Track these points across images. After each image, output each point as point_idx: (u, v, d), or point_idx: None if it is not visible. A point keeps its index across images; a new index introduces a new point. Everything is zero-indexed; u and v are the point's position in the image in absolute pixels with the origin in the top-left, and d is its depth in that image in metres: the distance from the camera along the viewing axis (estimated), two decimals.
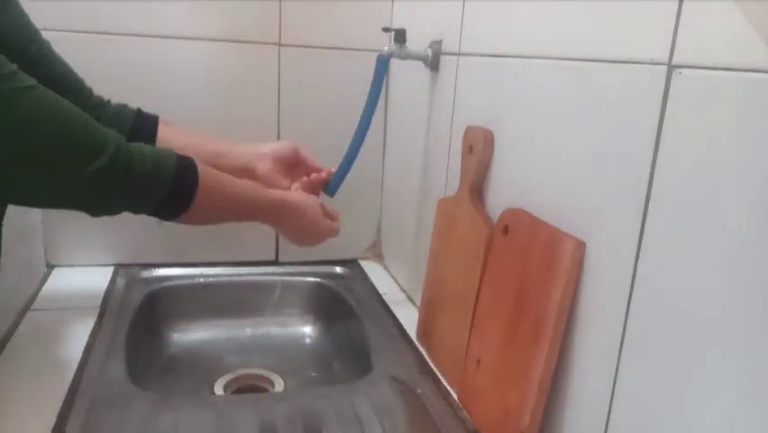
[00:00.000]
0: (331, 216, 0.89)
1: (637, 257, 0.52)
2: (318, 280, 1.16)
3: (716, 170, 0.44)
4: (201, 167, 0.67)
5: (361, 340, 0.96)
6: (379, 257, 1.28)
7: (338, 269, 1.21)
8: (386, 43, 0.94)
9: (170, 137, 0.86)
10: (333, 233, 0.89)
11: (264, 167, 0.90)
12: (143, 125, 0.85)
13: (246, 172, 0.89)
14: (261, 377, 0.99)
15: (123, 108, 0.86)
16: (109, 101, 0.85)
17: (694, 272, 0.46)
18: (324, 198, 0.96)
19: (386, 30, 0.94)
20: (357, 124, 0.94)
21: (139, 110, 0.87)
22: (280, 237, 0.98)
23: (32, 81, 0.56)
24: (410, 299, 1.10)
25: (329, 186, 0.95)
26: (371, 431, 0.71)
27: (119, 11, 1.03)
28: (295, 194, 0.85)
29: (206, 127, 1.11)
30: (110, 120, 0.82)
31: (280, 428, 0.70)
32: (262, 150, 0.91)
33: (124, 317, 0.94)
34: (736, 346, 0.43)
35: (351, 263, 1.24)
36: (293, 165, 0.94)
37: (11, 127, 0.54)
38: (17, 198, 0.63)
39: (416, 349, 0.91)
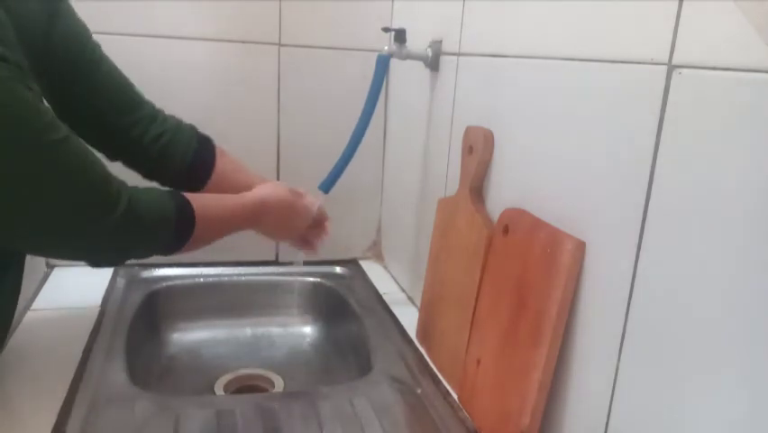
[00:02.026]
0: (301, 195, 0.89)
1: (637, 257, 0.52)
2: (318, 280, 1.16)
3: (716, 170, 0.44)
4: (195, 205, 0.70)
5: (361, 340, 0.96)
6: (379, 257, 1.28)
7: (338, 269, 1.21)
8: (386, 43, 0.94)
9: (226, 169, 0.88)
10: (309, 210, 0.88)
11: None
12: (206, 149, 0.87)
13: None
14: (261, 377, 0.99)
15: (180, 124, 0.86)
16: (162, 110, 0.86)
17: (694, 272, 0.46)
18: (324, 197, 0.96)
19: (386, 30, 0.94)
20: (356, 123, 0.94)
21: (195, 128, 0.88)
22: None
23: (65, 131, 0.57)
24: (410, 299, 1.10)
25: (324, 183, 0.95)
26: (371, 431, 0.71)
27: (119, 11, 1.03)
28: (262, 188, 0.83)
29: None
30: (173, 138, 0.83)
31: (280, 427, 0.70)
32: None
33: (124, 317, 0.94)
34: (735, 346, 0.43)
35: (351, 263, 1.24)
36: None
37: (47, 179, 0.56)
38: (33, 247, 0.66)
39: (416, 349, 0.91)
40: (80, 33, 0.75)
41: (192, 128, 0.88)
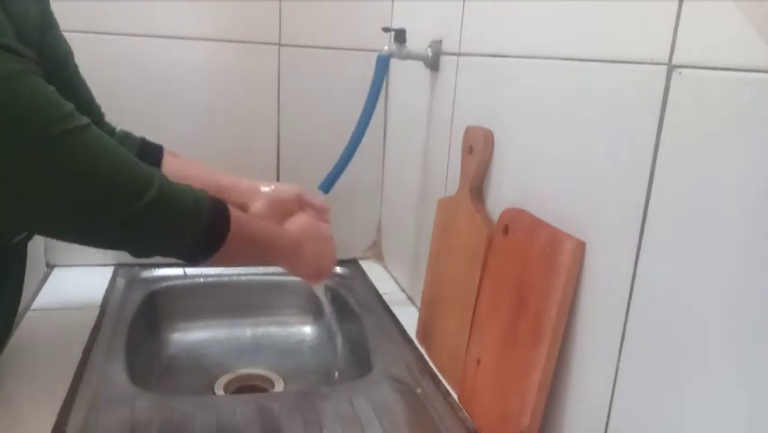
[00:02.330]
0: (324, 218, 0.87)
1: (637, 257, 0.52)
2: None
3: (716, 170, 0.44)
4: (232, 209, 0.66)
5: (361, 340, 0.96)
6: (379, 257, 1.28)
7: (338, 269, 1.21)
8: (386, 43, 0.94)
9: (176, 169, 0.84)
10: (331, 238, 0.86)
11: (256, 207, 0.86)
12: (147, 157, 0.84)
13: (241, 208, 0.86)
14: (261, 377, 0.99)
15: (126, 136, 0.85)
16: (114, 129, 0.85)
17: (694, 272, 0.46)
18: (323, 197, 0.96)
19: (386, 30, 0.94)
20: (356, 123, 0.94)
21: (143, 139, 0.86)
22: None
23: (86, 120, 0.56)
24: (410, 299, 1.10)
25: (324, 183, 0.95)
26: (371, 431, 0.71)
27: (119, 11, 1.03)
28: (293, 227, 0.81)
29: (206, 127, 1.12)
30: None
31: (280, 428, 0.70)
32: (262, 189, 0.87)
33: (124, 317, 0.94)
34: (735, 346, 0.43)
35: (351, 263, 1.24)
36: (290, 210, 0.87)
37: (71, 166, 0.55)
38: (65, 233, 0.62)
39: (416, 349, 0.91)
40: (65, 47, 0.75)
41: (138, 139, 0.86)
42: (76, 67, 0.78)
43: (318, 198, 0.94)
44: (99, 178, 0.56)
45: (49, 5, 0.71)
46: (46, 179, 0.54)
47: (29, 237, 0.73)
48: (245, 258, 0.73)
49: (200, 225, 0.63)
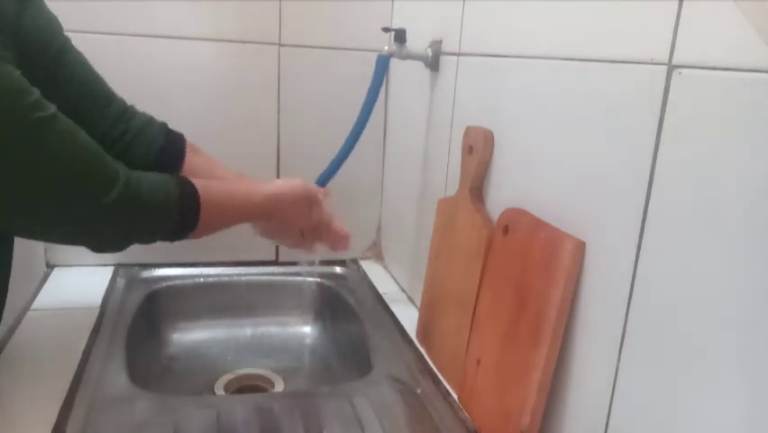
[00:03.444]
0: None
1: (637, 257, 0.52)
2: (318, 280, 1.16)
3: (716, 170, 0.44)
4: (200, 185, 0.68)
5: (361, 340, 0.96)
6: (379, 257, 1.28)
7: (338, 269, 1.21)
8: (386, 43, 0.94)
9: (197, 166, 0.85)
10: (321, 200, 0.85)
11: None
12: (173, 146, 0.84)
13: None
14: (261, 377, 0.99)
15: (150, 121, 0.84)
16: (133, 106, 0.84)
17: (694, 272, 0.46)
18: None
19: (386, 30, 0.94)
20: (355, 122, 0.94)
21: (166, 126, 0.86)
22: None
23: (53, 109, 0.56)
24: (410, 299, 1.10)
25: (320, 178, 0.95)
26: (371, 431, 0.71)
27: (119, 11, 1.03)
28: (272, 186, 0.81)
29: (206, 127, 1.12)
30: (138, 133, 0.81)
31: (280, 427, 0.70)
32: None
33: (124, 317, 0.94)
34: (736, 346, 0.43)
35: (351, 263, 1.24)
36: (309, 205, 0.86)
37: (35, 157, 0.54)
38: (32, 231, 0.63)
39: (416, 349, 0.91)
40: (51, 21, 0.73)
41: (162, 125, 0.85)
42: (66, 40, 0.76)
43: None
44: (63, 171, 0.56)
45: None
46: (9, 172, 0.53)
47: None
48: (221, 224, 0.73)
49: (171, 214, 0.64)
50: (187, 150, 0.86)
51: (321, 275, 1.17)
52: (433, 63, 0.95)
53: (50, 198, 0.56)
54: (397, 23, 0.97)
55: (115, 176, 0.59)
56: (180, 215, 0.65)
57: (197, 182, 0.68)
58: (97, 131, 0.77)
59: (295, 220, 0.82)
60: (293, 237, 0.85)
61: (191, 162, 0.85)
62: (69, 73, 0.76)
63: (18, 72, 0.54)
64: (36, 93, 0.55)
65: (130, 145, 0.80)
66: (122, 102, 0.83)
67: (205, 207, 0.67)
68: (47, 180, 0.55)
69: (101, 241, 0.64)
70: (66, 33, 0.76)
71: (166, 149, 0.83)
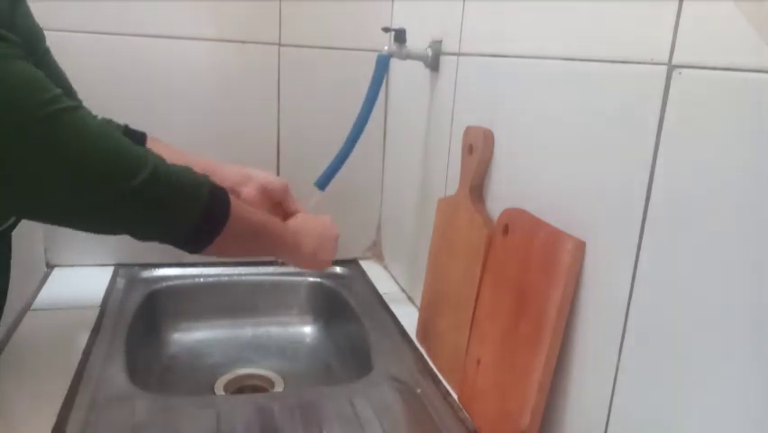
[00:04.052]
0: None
1: (637, 257, 0.52)
2: (318, 280, 1.16)
3: (716, 170, 0.44)
4: (233, 197, 0.66)
5: (361, 340, 0.96)
6: (379, 257, 1.28)
7: (338, 269, 1.21)
8: (386, 43, 0.94)
9: (161, 152, 0.84)
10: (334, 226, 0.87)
11: (249, 192, 0.86)
12: (134, 138, 0.82)
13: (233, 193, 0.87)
14: (261, 377, 0.99)
15: (108, 122, 0.83)
16: (96, 116, 0.85)
17: (694, 272, 0.46)
18: (324, 195, 0.96)
19: (386, 30, 0.94)
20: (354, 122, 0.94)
21: (126, 126, 0.85)
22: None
23: (76, 102, 0.56)
24: (410, 299, 1.10)
25: (320, 180, 0.96)
26: (371, 431, 0.71)
27: (119, 11, 1.03)
28: (294, 221, 0.84)
29: (206, 127, 1.12)
30: None
31: (280, 428, 0.70)
32: (251, 174, 0.88)
33: (124, 317, 0.94)
34: (736, 346, 0.43)
35: (351, 263, 1.24)
36: (279, 199, 0.89)
37: (63, 146, 0.54)
38: (64, 216, 0.61)
39: (416, 349, 0.91)
40: (37, 32, 0.74)
41: (121, 126, 0.84)
42: (47, 51, 0.76)
43: (314, 195, 0.95)
44: (92, 157, 0.56)
45: None
46: (39, 161, 0.53)
47: (14, 226, 0.73)
48: (244, 246, 0.72)
49: (199, 207, 0.62)
50: (148, 141, 0.84)
51: (321, 275, 1.17)
52: (433, 63, 0.95)
53: (79, 183, 0.56)
54: (397, 23, 0.97)
55: (144, 160, 0.59)
56: (208, 210, 0.63)
57: (231, 194, 0.67)
58: None
59: (314, 252, 0.83)
60: (309, 265, 0.86)
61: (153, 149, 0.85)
62: (50, 75, 0.76)
63: (34, 68, 0.54)
64: (58, 89, 0.55)
65: None
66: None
67: (234, 215, 0.65)
68: (75, 166, 0.55)
69: (122, 224, 0.62)
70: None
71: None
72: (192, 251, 0.65)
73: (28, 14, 0.72)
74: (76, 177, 0.56)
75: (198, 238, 0.64)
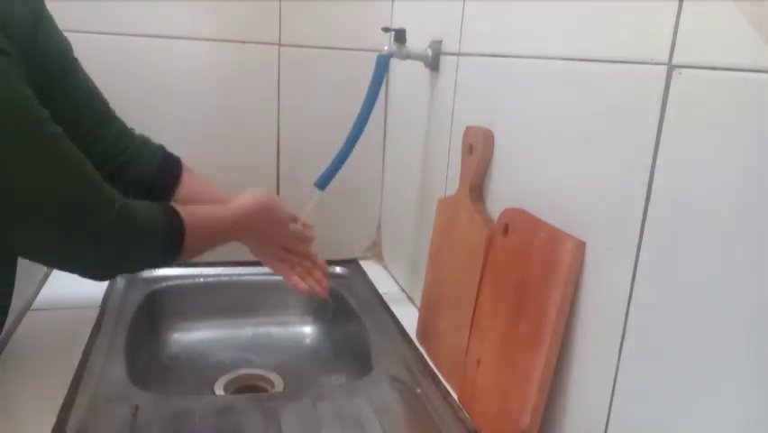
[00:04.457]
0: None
1: (637, 257, 0.52)
2: None
3: (716, 170, 0.44)
4: (185, 213, 0.70)
5: (361, 340, 0.96)
6: (379, 257, 1.28)
7: (338, 269, 1.21)
8: (386, 43, 0.94)
9: (191, 187, 0.87)
10: (287, 211, 0.87)
11: None
12: (171, 163, 0.86)
13: None
14: (261, 377, 0.99)
15: (148, 142, 0.86)
16: (132, 129, 0.85)
17: (694, 272, 0.46)
18: (324, 195, 0.96)
19: (386, 30, 0.94)
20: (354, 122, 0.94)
21: (163, 148, 0.87)
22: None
23: (60, 130, 0.57)
24: (410, 299, 1.10)
25: (320, 180, 0.96)
26: (371, 431, 0.71)
27: (119, 11, 1.03)
28: (240, 197, 0.83)
29: (206, 128, 1.12)
30: (137, 151, 0.83)
31: (280, 427, 0.70)
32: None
33: (124, 317, 0.94)
34: (736, 346, 0.43)
35: (351, 263, 1.24)
36: None
37: (42, 172, 0.56)
38: (25, 248, 0.64)
39: (416, 349, 0.91)
40: (62, 43, 0.75)
41: (159, 148, 0.87)
42: (75, 60, 0.78)
43: (314, 195, 0.95)
44: (67, 189, 0.58)
45: (42, 5, 0.70)
46: (15, 185, 0.54)
47: None
48: (204, 248, 0.76)
49: (158, 240, 0.67)
50: (183, 172, 0.87)
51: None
52: (433, 63, 0.95)
53: (56, 213, 0.58)
54: (397, 23, 0.97)
55: (112, 200, 0.61)
56: (166, 243, 0.68)
57: (183, 210, 0.70)
58: (97, 147, 0.78)
59: (266, 231, 0.85)
60: (277, 255, 0.88)
61: (185, 183, 0.87)
62: (73, 91, 0.77)
63: (29, 90, 0.55)
64: (46, 112, 0.56)
65: (130, 162, 0.82)
66: (122, 122, 0.84)
67: (190, 234, 0.70)
68: (51, 196, 0.57)
69: (92, 265, 0.66)
70: (66, 33, 0.76)
71: (164, 166, 0.85)
72: (156, 267, 0.72)
73: (54, 29, 0.73)
74: (50, 203, 0.57)
75: (159, 264, 0.73)
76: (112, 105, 0.84)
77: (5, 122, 0.52)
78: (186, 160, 0.89)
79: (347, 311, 1.06)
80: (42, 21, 0.70)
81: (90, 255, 0.64)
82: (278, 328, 1.13)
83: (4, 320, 0.77)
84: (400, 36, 0.94)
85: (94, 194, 0.60)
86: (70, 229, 0.59)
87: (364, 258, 1.28)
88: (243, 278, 1.15)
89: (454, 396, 0.79)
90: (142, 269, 0.70)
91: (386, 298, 1.09)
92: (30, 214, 0.56)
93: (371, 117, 0.94)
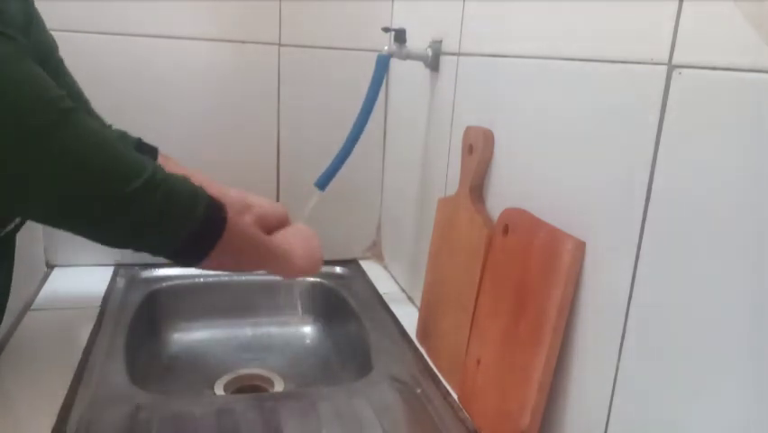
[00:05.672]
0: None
1: (637, 257, 0.52)
2: (318, 280, 1.16)
3: (716, 170, 0.44)
4: (231, 212, 0.65)
5: (361, 340, 0.96)
6: (379, 257, 1.28)
7: (338, 269, 1.21)
8: (386, 43, 0.94)
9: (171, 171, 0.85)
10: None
11: (245, 219, 0.85)
12: (147, 153, 0.85)
13: None
14: (261, 377, 0.99)
15: (123, 135, 0.85)
16: (110, 125, 0.84)
17: (694, 272, 0.46)
18: (324, 195, 0.96)
19: (386, 30, 0.94)
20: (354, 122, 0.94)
21: (140, 140, 0.86)
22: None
23: (75, 105, 0.56)
24: (410, 299, 1.10)
25: (320, 180, 0.95)
26: (371, 431, 0.71)
27: (119, 11, 1.03)
28: (282, 234, 0.83)
29: (206, 128, 1.12)
30: None
31: (280, 427, 0.70)
32: (252, 203, 0.87)
33: (124, 317, 0.94)
34: (736, 346, 0.43)
35: (351, 263, 1.24)
36: (274, 228, 0.87)
37: (63, 148, 0.55)
38: (55, 218, 0.60)
39: (416, 349, 0.91)
40: (50, 43, 0.74)
41: (135, 140, 0.85)
42: (60, 61, 0.77)
43: (314, 195, 0.95)
44: (90, 161, 0.55)
45: (32, 5, 0.70)
46: (39, 162, 0.53)
47: (17, 229, 0.73)
48: (240, 259, 0.72)
49: (196, 218, 0.61)
50: (160, 157, 0.85)
51: (321, 275, 1.17)
52: (433, 63, 0.95)
53: (77, 182, 0.56)
54: (397, 23, 0.97)
55: (142, 166, 0.59)
56: (204, 222, 0.62)
57: (231, 209, 0.65)
58: None
59: (309, 256, 0.82)
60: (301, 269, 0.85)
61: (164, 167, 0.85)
62: (62, 84, 0.76)
63: (39, 68, 0.54)
64: (62, 90, 0.55)
65: None
66: (101, 119, 0.83)
67: (230, 228, 0.64)
68: (78, 166, 0.55)
69: (117, 232, 0.60)
70: (63, 33, 0.77)
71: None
72: (187, 264, 0.64)
73: (43, 29, 0.73)
74: (74, 179, 0.56)
75: (193, 251, 0.63)
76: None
77: (24, 104, 0.52)
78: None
79: (347, 311, 1.06)
80: (33, 20, 0.69)
81: (120, 219, 0.58)
82: (278, 328, 1.13)
83: (1, 318, 0.77)
84: (400, 36, 0.94)
85: (120, 160, 0.57)
86: (96, 193, 0.56)
87: (364, 258, 1.28)
88: (243, 278, 1.15)
89: (454, 396, 0.79)
90: (169, 247, 0.62)
91: (386, 298, 1.09)
92: (56, 190, 0.56)
93: (371, 117, 0.94)
